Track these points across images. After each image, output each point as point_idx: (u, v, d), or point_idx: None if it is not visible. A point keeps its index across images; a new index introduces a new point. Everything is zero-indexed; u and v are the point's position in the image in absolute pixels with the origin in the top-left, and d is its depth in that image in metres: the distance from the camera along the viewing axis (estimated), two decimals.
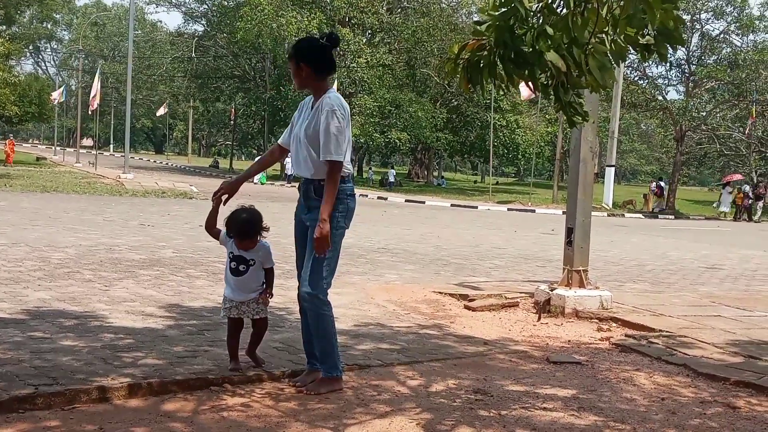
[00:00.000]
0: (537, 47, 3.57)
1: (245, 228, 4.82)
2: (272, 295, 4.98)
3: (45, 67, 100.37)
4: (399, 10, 52.44)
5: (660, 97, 45.87)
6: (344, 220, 4.72)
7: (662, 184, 41.72)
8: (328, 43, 4.66)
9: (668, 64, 46.20)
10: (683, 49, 42.72)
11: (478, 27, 3.77)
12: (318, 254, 4.54)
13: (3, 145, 53.39)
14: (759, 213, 37.65)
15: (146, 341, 5.41)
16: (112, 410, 4.10)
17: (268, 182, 44.65)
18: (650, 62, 38.80)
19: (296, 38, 43.34)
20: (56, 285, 7.48)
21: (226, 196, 4.82)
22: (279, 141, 5.00)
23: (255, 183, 40.19)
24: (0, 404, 3.93)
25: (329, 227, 4.49)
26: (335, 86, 41.40)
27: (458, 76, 3.99)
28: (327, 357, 4.66)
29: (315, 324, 4.64)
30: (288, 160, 49.22)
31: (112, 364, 4.75)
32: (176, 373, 4.64)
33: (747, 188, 39.34)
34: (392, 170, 53.03)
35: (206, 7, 60.98)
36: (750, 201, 37.85)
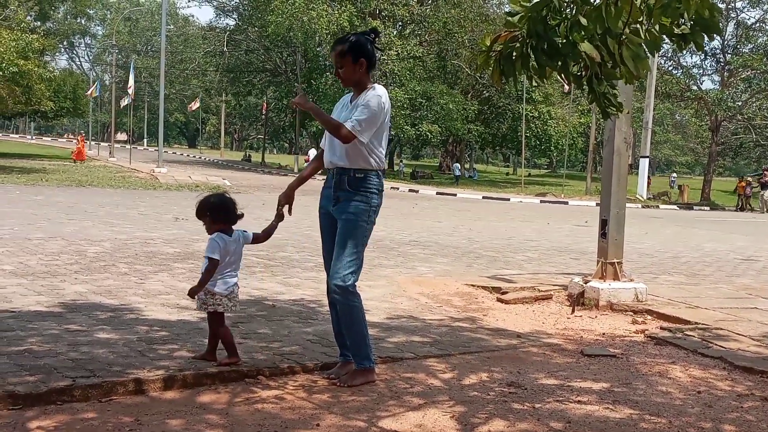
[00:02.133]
0: (570, 38, 3.54)
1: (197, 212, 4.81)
2: (195, 291, 4.71)
3: (79, 63, 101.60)
4: (430, 1, 52.24)
5: (695, 87, 45.37)
6: (375, 215, 4.73)
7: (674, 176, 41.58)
8: (374, 38, 4.74)
9: (703, 54, 45.63)
10: (718, 38, 42.16)
11: (511, 18, 3.74)
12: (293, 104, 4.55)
13: (66, 142, 54.03)
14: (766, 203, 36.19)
15: (181, 334, 5.46)
16: (148, 402, 4.15)
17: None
18: (685, 52, 38.40)
19: (326, 31, 43.61)
20: (92, 278, 7.58)
21: (286, 207, 4.85)
22: (321, 144, 4.98)
23: None
24: (38, 396, 3.99)
25: (307, 105, 4.52)
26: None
27: (490, 68, 3.97)
28: (359, 349, 4.68)
29: (345, 316, 4.67)
30: (311, 153, 49.48)
31: (148, 356, 4.80)
32: (210, 366, 4.67)
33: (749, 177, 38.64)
34: (457, 164, 52.78)
35: (237, 1, 61.21)
36: (750, 190, 36.89)
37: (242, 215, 4.87)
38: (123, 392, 4.22)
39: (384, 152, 4.69)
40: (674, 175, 47.53)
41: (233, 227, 4.84)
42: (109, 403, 4.08)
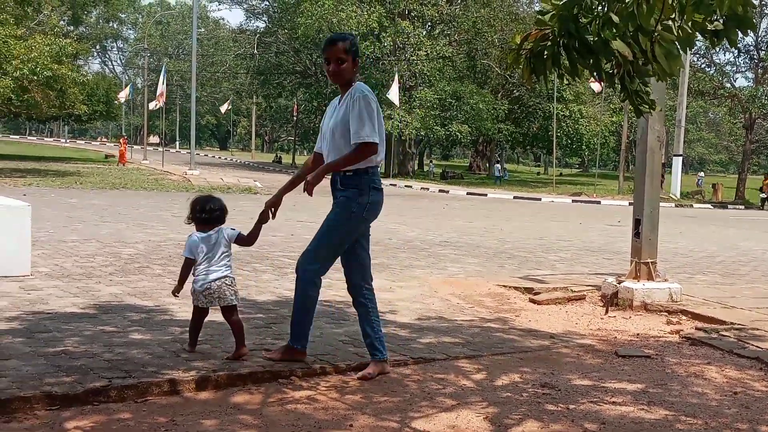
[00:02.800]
0: (602, 36, 3.51)
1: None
2: (175, 289, 4.99)
3: (111, 66, 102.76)
4: (459, 1, 52.15)
5: (728, 85, 44.80)
6: (364, 211, 4.76)
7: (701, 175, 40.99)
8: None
9: (736, 50, 45.07)
10: (752, 34, 41.62)
11: (541, 17, 3.73)
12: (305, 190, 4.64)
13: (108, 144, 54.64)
14: None
15: (214, 335, 5.50)
16: (182, 402, 4.19)
17: None
18: (718, 49, 37.94)
19: (356, 33, 43.68)
20: (127, 280, 7.65)
21: (273, 209, 4.90)
22: (315, 149, 5.06)
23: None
24: (75, 397, 4.04)
25: (313, 183, 4.59)
26: (396, 78, 41.44)
27: (521, 66, 3.95)
28: (296, 327, 4.85)
29: (300, 298, 4.81)
30: None
31: (182, 357, 4.84)
32: (244, 366, 4.70)
33: None
34: (498, 164, 52.56)
35: (267, 3, 61.58)
36: None
37: (216, 214, 4.93)
38: (158, 393, 4.26)
39: (382, 149, 4.75)
40: (701, 174, 46.98)
41: (221, 225, 4.95)
42: (145, 404, 4.12)
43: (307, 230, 14.00)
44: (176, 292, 4.97)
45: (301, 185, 4.79)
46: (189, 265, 4.91)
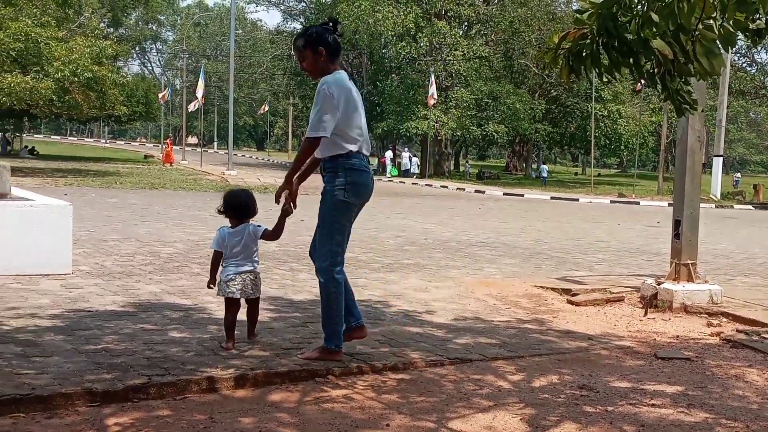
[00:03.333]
0: (642, 35, 3.48)
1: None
2: (208, 282, 5.24)
3: (151, 68, 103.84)
4: (496, 0, 51.96)
5: None
6: (343, 193, 4.86)
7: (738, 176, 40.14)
8: (332, 26, 5.00)
9: None
10: None
11: (580, 16, 3.70)
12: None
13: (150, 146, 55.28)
14: None
15: None
16: (220, 400, 4.23)
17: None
18: (759, 48, 37.31)
19: (392, 33, 43.75)
20: (166, 278, 7.74)
21: (293, 201, 5.04)
22: None
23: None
24: (115, 393, 4.10)
25: (284, 186, 4.92)
26: (432, 78, 41.38)
27: (559, 66, 3.93)
28: (326, 326, 4.95)
29: (324, 296, 4.93)
30: (405, 154, 49.76)
31: (220, 355, 4.88)
32: (281, 365, 4.73)
33: None
34: (544, 165, 52.29)
35: (304, 5, 61.86)
36: None
37: (249, 209, 5.17)
38: (196, 390, 4.30)
39: (360, 132, 4.88)
40: (738, 175, 46.24)
41: (248, 221, 5.17)
42: (183, 401, 4.17)
43: (352, 234, 14.11)
44: (210, 284, 5.20)
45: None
46: (218, 257, 5.15)
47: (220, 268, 5.14)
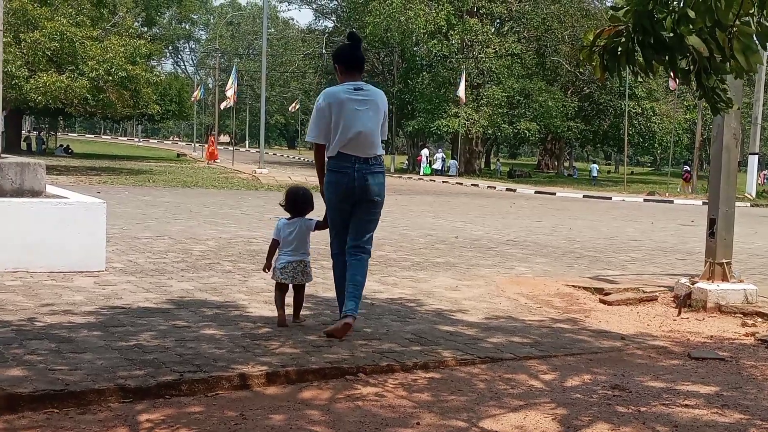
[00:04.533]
0: (678, 32, 3.43)
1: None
2: (265, 266, 5.93)
3: (184, 67, 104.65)
4: None
5: None
6: (326, 192, 5.65)
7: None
8: (350, 41, 5.78)
9: None
10: None
11: (615, 12, 3.66)
12: None
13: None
14: None
15: (283, 330, 5.56)
16: (251, 397, 4.24)
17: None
18: None
19: (424, 31, 43.70)
20: (198, 276, 7.79)
21: None
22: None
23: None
24: (147, 390, 4.13)
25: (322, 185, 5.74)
26: (463, 76, 41.25)
27: (593, 63, 3.89)
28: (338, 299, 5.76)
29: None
30: (438, 155, 49.75)
31: (251, 352, 4.90)
32: (312, 362, 4.74)
33: None
34: (594, 164, 51.95)
35: (336, 3, 61.96)
36: None
37: (304, 205, 5.78)
38: (228, 387, 4.32)
39: (337, 138, 5.49)
40: (766, 171, 45.55)
41: (305, 215, 5.79)
42: (215, 398, 4.19)
43: (382, 231, 14.07)
44: (265, 268, 5.89)
45: None
46: (275, 245, 5.80)
47: (276, 254, 5.77)
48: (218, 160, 45.11)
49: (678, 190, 37.16)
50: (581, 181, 48.30)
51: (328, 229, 5.76)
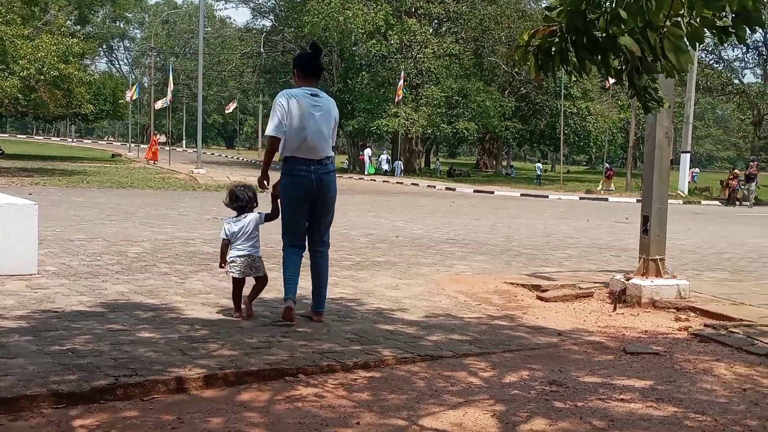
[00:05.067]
0: (610, 32, 3.49)
1: None
2: (221, 264, 6.21)
3: (118, 66, 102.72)
4: None
5: (736, 81, 44.63)
6: (282, 190, 6.04)
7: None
8: (311, 50, 6.24)
9: (745, 47, 44.90)
10: (761, 30, 41.45)
11: (549, 13, 3.70)
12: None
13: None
14: (752, 196, 32.73)
15: (221, 332, 5.50)
16: (189, 400, 4.18)
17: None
18: (726, 45, 37.75)
19: (362, 31, 43.71)
20: (134, 278, 7.66)
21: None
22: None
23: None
24: (81, 395, 4.04)
25: (261, 180, 6.24)
26: (402, 76, 41.35)
27: (528, 63, 3.93)
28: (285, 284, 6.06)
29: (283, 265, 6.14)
30: (383, 156, 49.77)
31: (189, 355, 4.83)
32: (251, 364, 4.70)
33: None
34: (539, 163, 52.38)
35: (274, 2, 61.53)
36: (738, 182, 33.51)
37: (246, 203, 6.11)
38: (164, 391, 4.25)
39: (295, 140, 5.91)
40: (696, 170, 46.99)
41: (251, 211, 6.13)
42: (151, 402, 4.12)
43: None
44: (221, 264, 6.17)
45: None
46: (226, 244, 6.10)
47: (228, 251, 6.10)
48: (157, 162, 44.32)
49: (599, 187, 38.09)
50: (520, 180, 48.89)
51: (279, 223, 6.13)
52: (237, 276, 6.04)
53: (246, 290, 6.19)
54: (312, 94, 5.97)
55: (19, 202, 8.00)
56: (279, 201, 6.06)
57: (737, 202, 32.75)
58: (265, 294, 7.08)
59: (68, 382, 4.15)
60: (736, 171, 35.51)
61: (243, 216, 6.07)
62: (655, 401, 4.41)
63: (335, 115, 6.11)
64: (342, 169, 53.30)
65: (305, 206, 6.02)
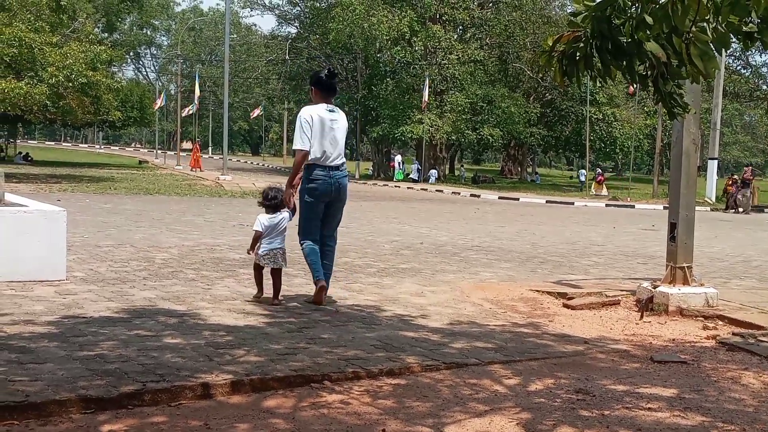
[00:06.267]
0: (636, 37, 3.48)
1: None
2: (249, 250, 7.17)
3: (145, 73, 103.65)
4: (490, 4, 52.02)
5: (764, 87, 44.16)
6: (306, 194, 6.98)
7: (599, 170, 41.01)
8: (328, 76, 7.18)
9: None
10: None
11: (574, 18, 3.70)
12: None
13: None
14: (747, 201, 31.78)
15: (247, 338, 5.52)
16: (215, 406, 4.20)
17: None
18: (753, 50, 37.37)
19: (387, 37, 43.81)
20: (161, 284, 7.71)
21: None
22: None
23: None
24: (109, 400, 4.07)
25: (289, 194, 7.01)
26: (427, 82, 41.41)
27: (553, 69, 3.93)
28: (311, 271, 7.08)
29: (307, 260, 7.08)
30: (414, 165, 49.84)
31: (215, 361, 4.86)
32: (276, 370, 4.71)
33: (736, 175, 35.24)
34: (582, 170, 52.21)
35: (299, 9, 61.84)
36: (736, 188, 32.31)
37: (280, 203, 6.98)
38: (191, 396, 4.28)
39: (318, 150, 6.91)
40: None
41: (278, 210, 6.98)
42: (178, 407, 4.14)
43: (348, 238, 14.06)
44: (250, 251, 7.09)
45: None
46: (258, 236, 6.95)
47: (259, 243, 6.94)
48: (202, 170, 44.41)
49: (591, 191, 37.94)
50: (545, 187, 48.64)
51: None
52: (270, 266, 6.95)
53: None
54: (329, 110, 7.03)
55: (48, 209, 8.10)
56: (297, 203, 7.05)
57: (735, 208, 32.03)
58: (290, 301, 7.13)
59: (96, 387, 4.19)
60: (735, 177, 34.98)
61: (278, 213, 6.94)
62: (683, 410, 4.38)
63: (346, 126, 7.20)
64: (367, 175, 53.49)
65: (323, 206, 7.04)
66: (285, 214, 6.98)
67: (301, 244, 7.07)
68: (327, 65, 7.66)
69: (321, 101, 7.08)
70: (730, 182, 33.55)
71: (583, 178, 48.54)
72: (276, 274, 6.98)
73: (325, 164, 6.96)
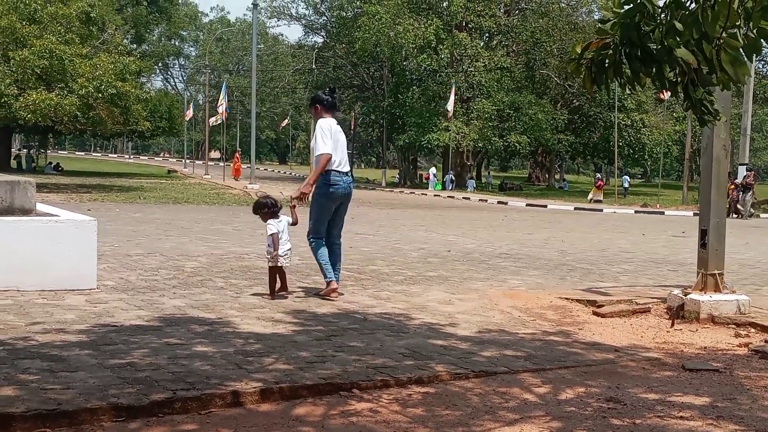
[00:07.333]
0: (665, 44, 3.46)
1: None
2: (270, 252, 7.69)
3: (173, 83, 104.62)
4: (517, 11, 51.96)
5: None
6: (321, 197, 7.73)
7: (598, 175, 40.37)
8: (329, 93, 8.12)
9: None
10: None
11: (602, 25, 3.68)
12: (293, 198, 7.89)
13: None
14: (748, 206, 31.22)
15: (276, 346, 5.54)
16: (245, 414, 4.22)
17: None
18: None
19: (413, 45, 43.91)
20: (190, 293, 7.76)
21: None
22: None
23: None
24: (140, 408, 4.10)
25: (307, 191, 7.74)
26: (453, 90, 41.32)
27: (581, 76, 3.91)
28: (322, 270, 7.84)
29: (316, 257, 7.85)
30: (448, 176, 49.99)
31: (245, 369, 4.88)
32: (305, 378, 4.72)
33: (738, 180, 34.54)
34: (626, 176, 52.19)
35: (325, 18, 62.17)
36: (738, 194, 31.47)
37: (281, 207, 7.88)
38: (221, 405, 4.30)
39: (338, 158, 7.73)
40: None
41: (278, 216, 7.73)
42: (208, 416, 4.17)
43: (365, 242, 13.96)
44: (274, 251, 7.58)
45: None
46: (278, 238, 7.58)
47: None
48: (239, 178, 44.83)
49: (589, 196, 37.70)
50: (573, 194, 48.36)
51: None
52: (286, 264, 7.68)
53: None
54: (336, 123, 7.89)
55: (79, 218, 8.18)
56: (310, 206, 7.85)
57: (737, 213, 31.39)
58: (318, 309, 7.14)
59: (127, 395, 4.22)
60: (737, 181, 34.45)
61: (281, 217, 7.72)
62: (715, 419, 4.33)
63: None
64: (393, 183, 53.54)
65: (334, 207, 7.82)
66: (286, 217, 7.77)
67: (311, 242, 7.83)
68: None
69: (327, 115, 7.90)
70: (733, 187, 33.01)
71: (627, 185, 48.26)
72: (282, 270, 7.65)
73: (339, 170, 7.74)
